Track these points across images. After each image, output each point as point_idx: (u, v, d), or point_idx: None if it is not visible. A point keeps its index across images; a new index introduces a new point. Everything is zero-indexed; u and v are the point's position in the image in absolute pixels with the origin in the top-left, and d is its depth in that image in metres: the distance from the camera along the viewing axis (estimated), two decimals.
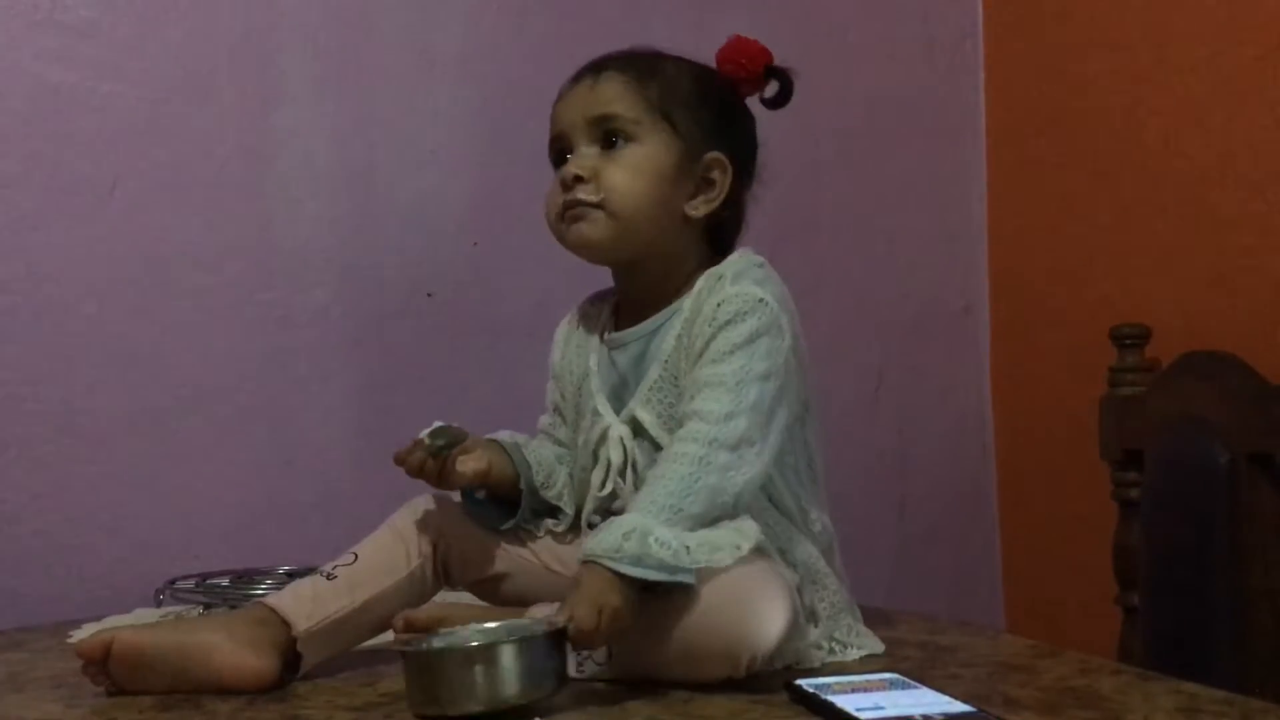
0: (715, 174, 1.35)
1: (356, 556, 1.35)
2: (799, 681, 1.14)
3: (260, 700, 1.20)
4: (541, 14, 2.03)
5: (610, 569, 1.13)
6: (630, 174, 1.31)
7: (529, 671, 1.09)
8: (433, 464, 1.33)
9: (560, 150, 1.38)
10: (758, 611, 1.15)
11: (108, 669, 1.23)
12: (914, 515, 2.22)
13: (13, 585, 1.74)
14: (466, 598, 1.43)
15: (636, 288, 1.38)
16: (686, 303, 1.32)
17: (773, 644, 1.16)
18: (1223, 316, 1.81)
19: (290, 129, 1.90)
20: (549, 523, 1.40)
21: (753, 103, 1.43)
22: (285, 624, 1.27)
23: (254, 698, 1.21)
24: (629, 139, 1.32)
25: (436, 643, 1.16)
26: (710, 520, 1.19)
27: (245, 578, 1.69)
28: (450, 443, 1.33)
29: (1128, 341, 1.85)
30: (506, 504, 1.39)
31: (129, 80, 1.82)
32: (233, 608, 1.56)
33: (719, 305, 1.27)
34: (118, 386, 1.80)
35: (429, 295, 1.95)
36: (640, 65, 1.36)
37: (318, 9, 1.92)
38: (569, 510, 1.39)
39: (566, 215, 1.34)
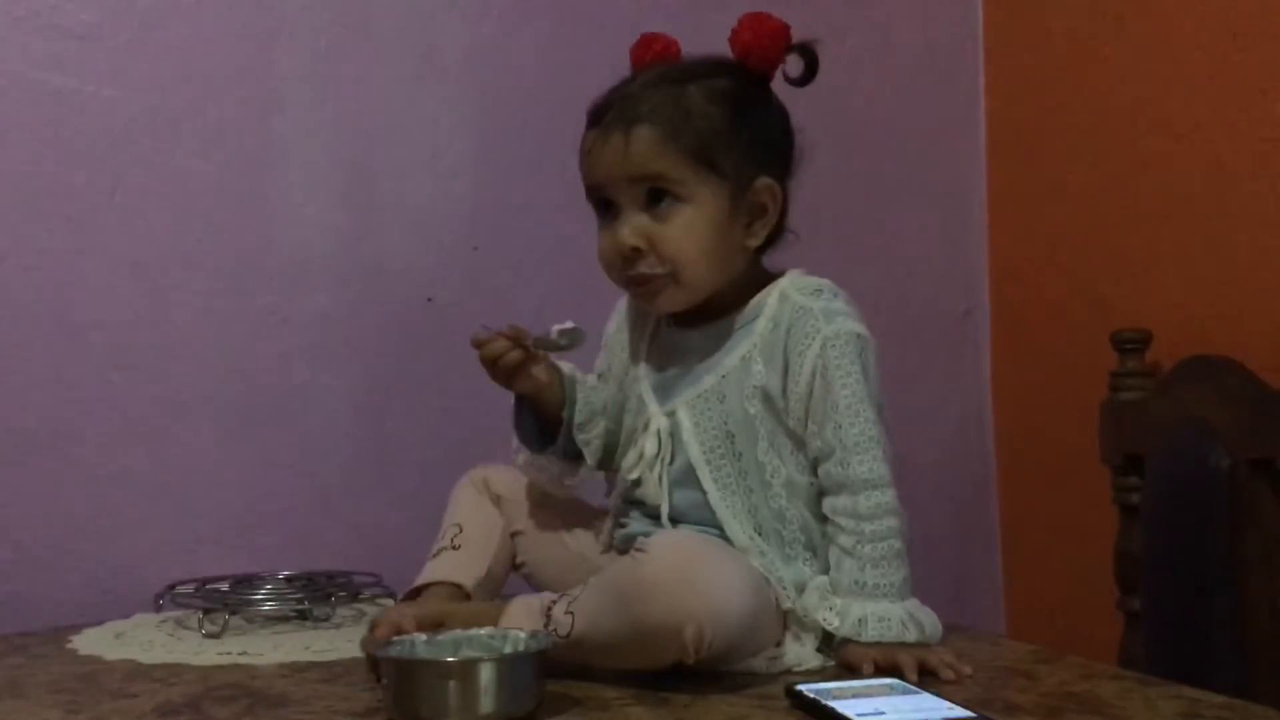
0: (766, 199, 1.36)
1: (460, 527, 1.44)
2: (799, 686, 1.14)
3: (260, 706, 1.21)
4: (542, 17, 2.03)
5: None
6: (687, 239, 1.32)
7: (506, 689, 1.11)
8: (514, 356, 1.35)
9: (600, 199, 1.37)
10: (702, 587, 1.17)
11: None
12: (914, 520, 2.18)
13: (13, 590, 1.74)
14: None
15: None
16: (759, 325, 1.34)
17: (720, 623, 1.17)
18: (1224, 321, 1.81)
19: (290, 133, 1.90)
20: (569, 483, 1.45)
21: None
22: (458, 587, 1.40)
23: (253, 703, 1.21)
24: (677, 199, 1.32)
25: (420, 650, 1.17)
26: (899, 551, 1.31)
27: (245, 582, 1.69)
28: (569, 345, 1.37)
29: (1129, 346, 1.85)
30: (544, 427, 1.44)
31: (129, 85, 1.82)
32: (233, 613, 1.58)
33: (825, 345, 1.31)
34: (117, 391, 1.80)
35: (429, 300, 1.95)
36: (669, 110, 1.32)
37: (318, 13, 1.92)
38: (590, 462, 1.44)
39: (636, 290, 1.37)
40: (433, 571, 1.42)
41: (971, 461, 2.28)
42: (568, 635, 1.22)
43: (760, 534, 1.33)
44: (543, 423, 1.44)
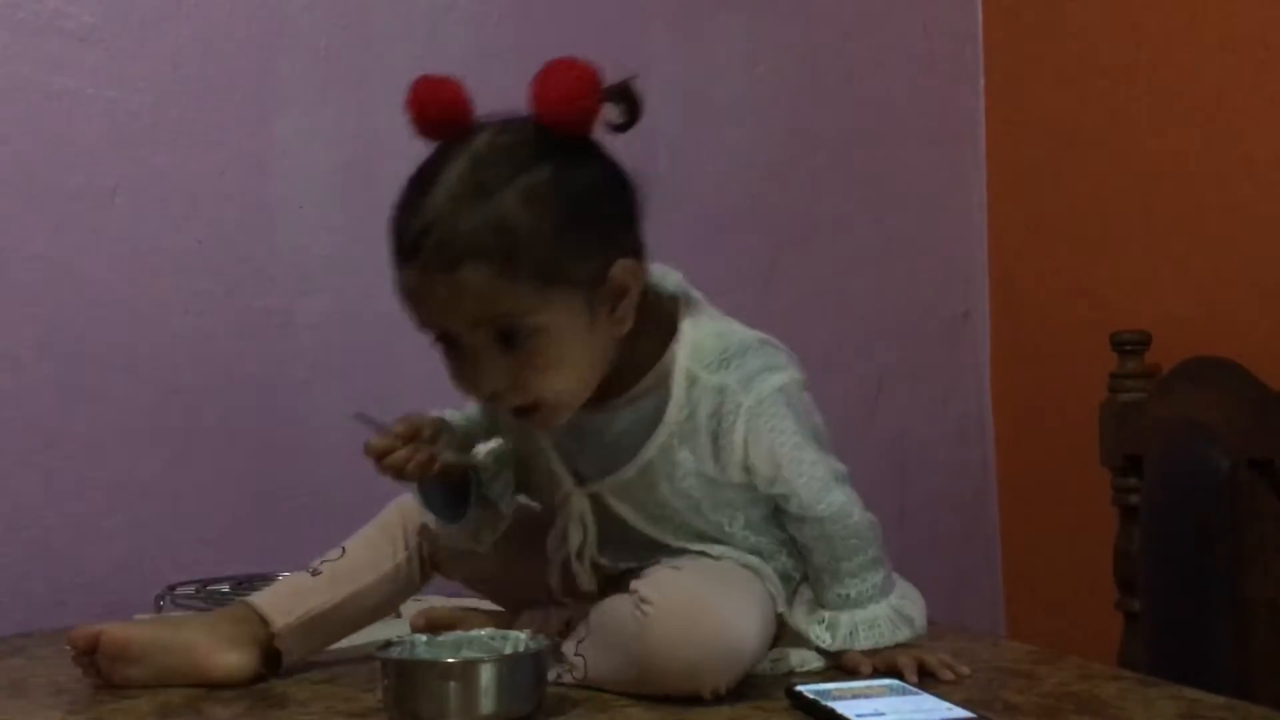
0: (625, 280, 1.18)
1: (344, 551, 1.36)
2: (799, 687, 1.14)
3: (259, 707, 1.21)
4: (542, 21, 2.04)
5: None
6: (551, 369, 1.16)
7: (507, 690, 1.11)
8: (418, 463, 1.22)
9: (441, 334, 1.20)
10: (719, 639, 1.15)
11: (95, 660, 1.27)
12: (914, 522, 2.21)
13: (13, 591, 1.74)
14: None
15: None
16: (671, 413, 1.21)
17: (738, 667, 1.16)
18: (1223, 322, 1.81)
19: (291, 135, 1.90)
20: (487, 535, 1.32)
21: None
22: (264, 621, 1.30)
23: (253, 704, 1.21)
24: (530, 331, 1.14)
25: (420, 651, 1.17)
26: (877, 557, 1.27)
27: (245, 583, 1.69)
28: (497, 466, 1.26)
29: (1128, 347, 1.85)
30: (452, 492, 1.30)
31: (130, 86, 1.82)
32: None
33: (751, 418, 1.20)
34: (117, 392, 1.80)
35: None
36: (490, 237, 1.12)
37: (319, 15, 1.92)
38: (506, 512, 1.31)
39: (508, 420, 1.25)
40: (263, 593, 1.34)
41: (971, 463, 2.29)
42: (583, 677, 1.21)
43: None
44: (449, 487, 1.29)
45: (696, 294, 1.28)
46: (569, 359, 1.17)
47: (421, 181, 1.19)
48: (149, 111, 1.84)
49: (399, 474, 1.23)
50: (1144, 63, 1.96)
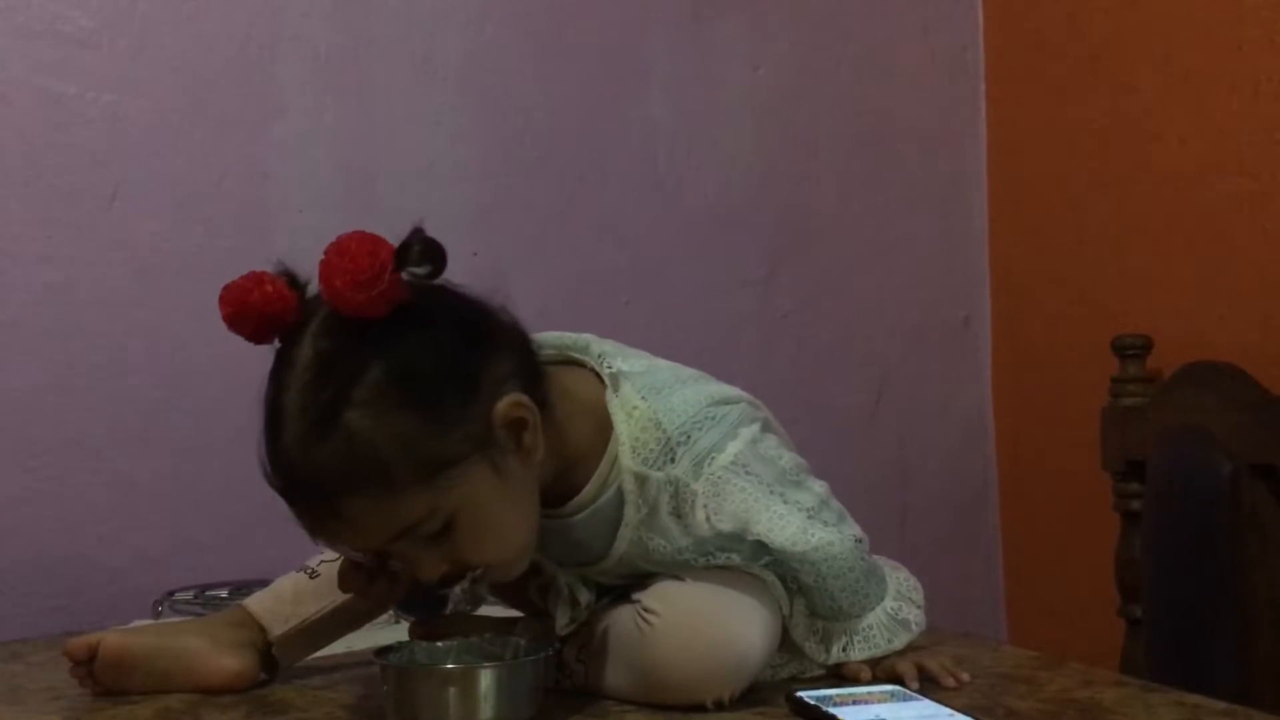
0: (519, 415, 1.11)
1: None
2: (800, 693, 1.14)
3: (259, 712, 1.20)
4: (541, 25, 2.04)
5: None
6: (486, 538, 1.12)
7: (506, 696, 1.10)
8: (402, 586, 1.18)
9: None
10: (724, 657, 1.15)
11: (93, 670, 1.27)
12: (916, 526, 2.21)
13: (11, 597, 1.74)
14: None
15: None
16: (629, 515, 1.18)
17: (744, 678, 1.16)
18: (1224, 327, 1.81)
19: (290, 139, 1.90)
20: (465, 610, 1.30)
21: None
22: (262, 628, 1.30)
23: (252, 710, 1.21)
24: (446, 522, 1.09)
25: (419, 656, 1.17)
26: (866, 571, 1.24)
27: (243, 589, 1.68)
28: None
29: (1129, 352, 1.85)
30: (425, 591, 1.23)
31: (129, 91, 1.83)
32: None
33: (707, 499, 1.16)
34: (116, 397, 1.80)
35: None
36: (355, 467, 1.05)
37: (318, 20, 1.92)
38: (483, 596, 1.28)
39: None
40: (260, 597, 1.33)
41: (973, 467, 2.29)
42: (584, 683, 1.21)
43: None
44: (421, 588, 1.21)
45: (611, 356, 1.22)
46: (499, 518, 1.12)
47: (270, 416, 1.09)
48: (148, 116, 1.84)
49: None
50: (1145, 66, 1.95)
